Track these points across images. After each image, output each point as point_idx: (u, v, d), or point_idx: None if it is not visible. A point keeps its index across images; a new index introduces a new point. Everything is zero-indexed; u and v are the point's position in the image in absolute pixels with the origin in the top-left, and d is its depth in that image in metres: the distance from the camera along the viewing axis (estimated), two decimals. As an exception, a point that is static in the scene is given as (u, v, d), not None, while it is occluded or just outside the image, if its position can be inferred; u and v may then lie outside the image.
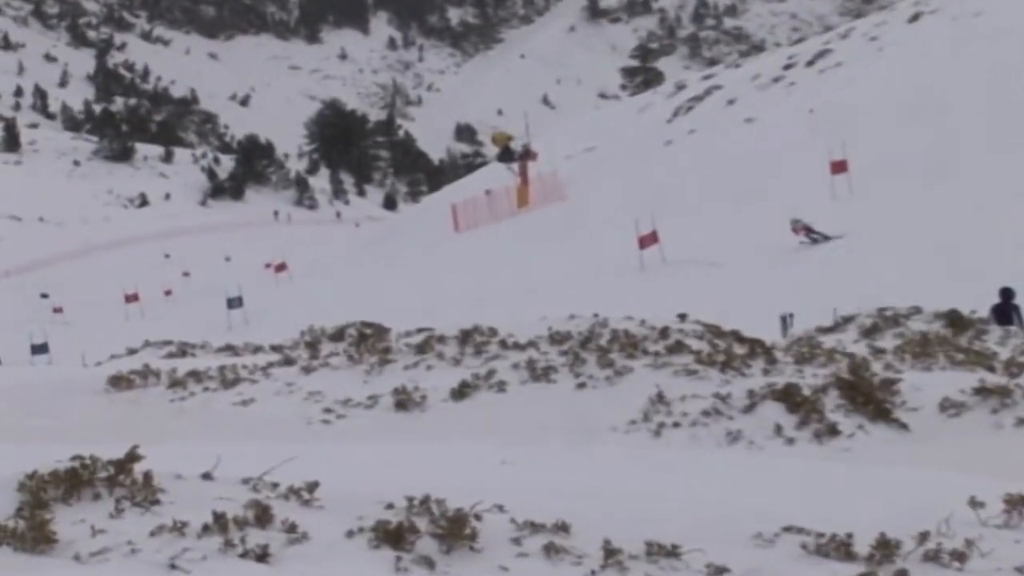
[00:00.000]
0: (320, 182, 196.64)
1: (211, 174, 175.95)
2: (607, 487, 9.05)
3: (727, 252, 41.39)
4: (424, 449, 12.59)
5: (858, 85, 65.82)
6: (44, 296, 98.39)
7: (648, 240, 43.36)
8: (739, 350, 16.76)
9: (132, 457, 6.73)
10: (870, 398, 13.85)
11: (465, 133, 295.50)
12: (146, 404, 16.64)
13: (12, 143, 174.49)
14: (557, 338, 17.63)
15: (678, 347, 16.59)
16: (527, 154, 74.23)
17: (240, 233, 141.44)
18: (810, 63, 79.12)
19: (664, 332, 17.60)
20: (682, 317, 18.69)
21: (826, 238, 41.07)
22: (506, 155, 75.55)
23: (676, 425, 13.86)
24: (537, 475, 9.93)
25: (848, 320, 21.26)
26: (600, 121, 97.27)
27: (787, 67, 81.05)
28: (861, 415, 13.63)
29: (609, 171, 69.42)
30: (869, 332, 20.18)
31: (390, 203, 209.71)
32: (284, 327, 28.63)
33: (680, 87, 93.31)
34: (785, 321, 26.13)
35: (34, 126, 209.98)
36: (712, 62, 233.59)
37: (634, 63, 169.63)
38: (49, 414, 16.02)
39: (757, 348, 16.99)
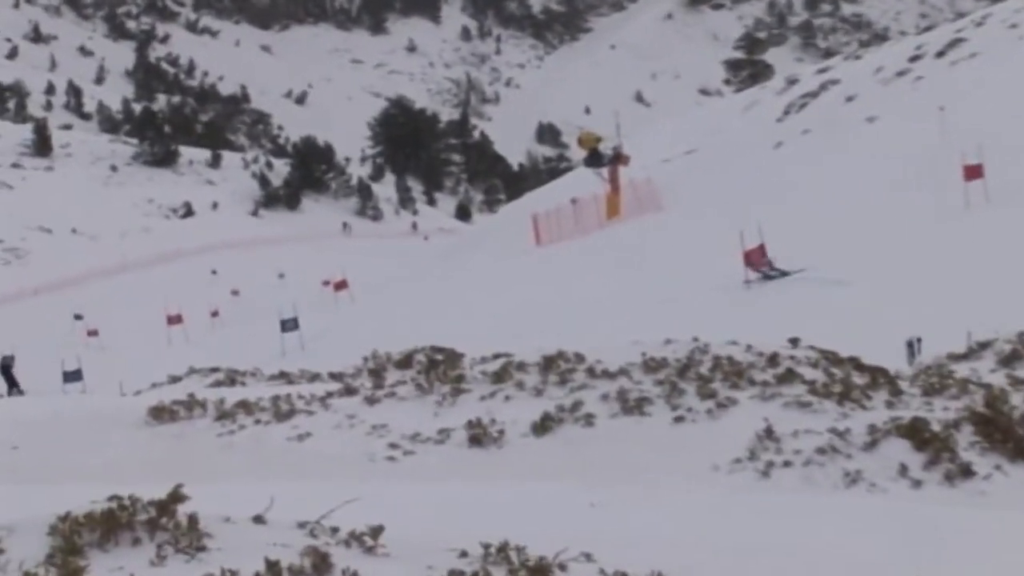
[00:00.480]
0: (385, 190, 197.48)
1: (263, 181, 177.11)
2: (708, 534, 9.03)
3: (844, 268, 41.15)
4: (502, 490, 12.61)
5: (996, 79, 65.27)
6: (77, 317, 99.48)
7: (755, 255, 43.15)
8: (859, 380, 16.64)
9: (176, 497, 6.79)
10: (1009, 435, 13.69)
11: (548, 134, 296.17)
12: (191, 438, 16.79)
13: (43, 146, 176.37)
14: (652, 365, 17.60)
15: (789, 376, 16.50)
16: (618, 158, 74.02)
17: (295, 247, 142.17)
18: (940, 54, 78.52)
19: (773, 359, 17.52)
20: (793, 342, 18.59)
21: (783, 274, 41.60)
22: (594, 159, 75.34)
23: (787, 464, 13.77)
24: (629, 520, 9.92)
25: (984, 346, 21.02)
26: (701, 120, 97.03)
27: (914, 59, 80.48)
28: (999, 454, 13.48)
29: (711, 177, 69.21)
30: (1008, 360, 19.95)
31: (463, 213, 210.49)
32: (345, 352, 28.71)
33: (792, 82, 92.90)
34: (912, 347, 25.91)
35: (67, 127, 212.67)
36: (828, 53, 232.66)
37: (739, 55, 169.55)
38: (83, 449, 16.21)
39: (879, 377, 16.87)
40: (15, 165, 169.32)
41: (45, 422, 17.51)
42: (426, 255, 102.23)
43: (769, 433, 14.33)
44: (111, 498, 6.71)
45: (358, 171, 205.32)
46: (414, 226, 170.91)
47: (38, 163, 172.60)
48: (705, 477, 13.68)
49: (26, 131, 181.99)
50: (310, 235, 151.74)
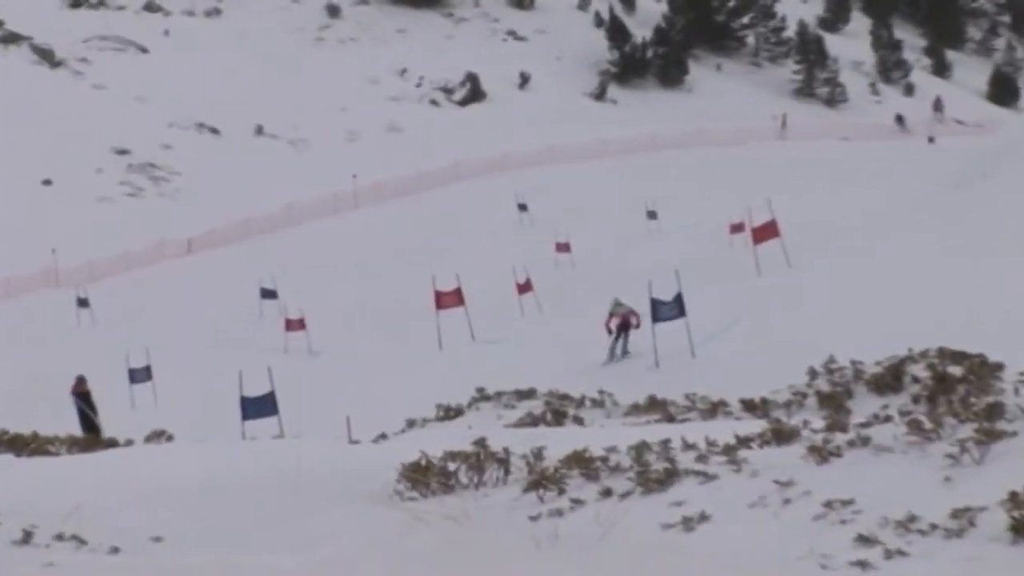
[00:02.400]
0: (852, 47, 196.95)
1: (616, 32, 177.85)
2: None
3: None
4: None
5: None
6: (268, 294, 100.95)
7: None
8: None
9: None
10: None
11: None
12: (481, 524, 17.14)
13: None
14: None
15: None
16: None
17: (679, 159, 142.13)
18: None
19: None
20: None
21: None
22: None
23: None
24: None
25: None
26: None
27: None
28: None
29: None
30: None
31: (1006, 91, 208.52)
32: (770, 361, 29.02)
33: None
34: None
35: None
36: None
37: None
38: (277, 542, 16.66)
39: None
40: (150, 7, 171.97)
41: (209, 491, 18.05)
42: (929, 173, 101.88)
43: None
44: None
45: (797, 12, 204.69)
46: (936, 105, 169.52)
47: (193, 2, 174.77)
48: None
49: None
50: (706, 135, 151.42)
